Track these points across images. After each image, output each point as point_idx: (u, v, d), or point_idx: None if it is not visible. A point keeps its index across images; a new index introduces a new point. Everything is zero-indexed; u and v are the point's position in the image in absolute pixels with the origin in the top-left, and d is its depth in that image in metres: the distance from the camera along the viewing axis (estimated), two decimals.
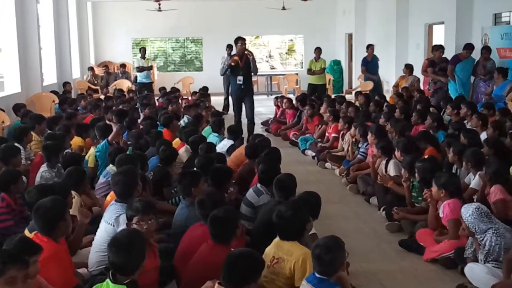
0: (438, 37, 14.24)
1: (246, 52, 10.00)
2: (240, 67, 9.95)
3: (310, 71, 14.01)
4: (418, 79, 12.93)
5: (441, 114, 9.19)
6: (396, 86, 13.10)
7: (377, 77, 14.11)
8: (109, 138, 6.94)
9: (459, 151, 5.93)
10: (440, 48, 11.20)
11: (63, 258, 3.74)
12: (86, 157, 6.97)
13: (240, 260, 3.16)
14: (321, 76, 14.07)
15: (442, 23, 13.48)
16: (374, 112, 9.64)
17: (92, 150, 7.07)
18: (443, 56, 11.07)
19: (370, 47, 13.89)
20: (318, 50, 14.12)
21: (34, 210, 3.77)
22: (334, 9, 21.23)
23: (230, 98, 14.95)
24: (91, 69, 17.66)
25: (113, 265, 3.18)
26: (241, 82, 10.03)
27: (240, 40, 9.95)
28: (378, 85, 14.04)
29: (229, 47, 14.71)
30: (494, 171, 5.06)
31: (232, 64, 9.96)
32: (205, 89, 14.36)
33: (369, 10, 18.36)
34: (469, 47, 10.74)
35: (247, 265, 3.16)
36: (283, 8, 19.05)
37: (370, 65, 13.93)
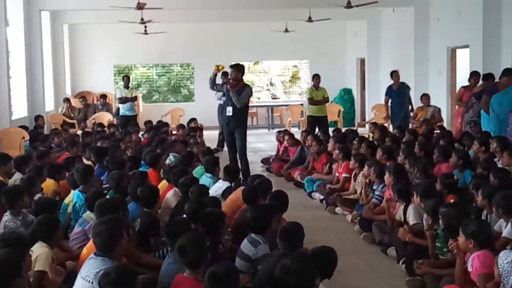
0: (463, 62, 14.37)
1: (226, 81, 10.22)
2: (229, 96, 10.08)
3: (312, 101, 14.03)
4: (439, 109, 13.01)
5: None
6: (414, 118, 13.14)
7: (400, 116, 13.32)
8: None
9: (488, 194, 5.90)
10: (475, 74, 11.37)
11: None
12: (66, 201, 6.95)
13: None
14: (323, 107, 14.13)
15: (467, 46, 13.63)
16: (392, 148, 9.62)
17: (72, 194, 7.04)
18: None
19: (394, 73, 13.48)
20: (317, 77, 14.22)
21: None
22: (343, 31, 21.48)
23: None
24: (67, 100, 17.76)
25: None
26: (230, 114, 10.13)
27: (231, 68, 10.15)
28: (406, 119, 13.39)
29: (225, 75, 14.82)
30: None
31: (215, 70, 10.35)
32: (192, 121, 14.41)
33: (383, 33, 18.58)
34: (510, 73, 10.13)
35: None
36: (286, 31, 19.23)
37: (395, 95, 13.39)
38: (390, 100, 13.58)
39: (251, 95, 10.60)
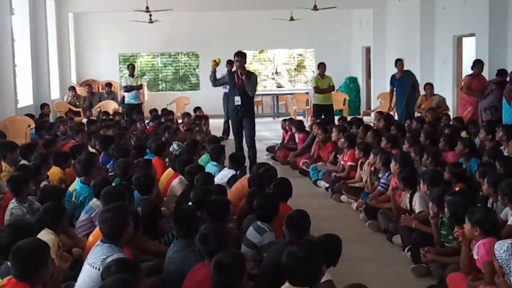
0: (469, 51, 14.32)
1: (241, 71, 10.06)
2: (237, 85, 10.08)
3: (318, 89, 13.97)
4: (444, 98, 12.97)
5: None
6: (418, 107, 13.10)
7: (402, 105, 13.21)
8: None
9: (494, 182, 5.89)
10: (479, 63, 11.37)
11: None
12: (70, 189, 6.96)
13: None
14: (328, 95, 14.07)
15: (473, 35, 13.57)
16: (397, 136, 9.62)
17: (75, 182, 7.05)
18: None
19: (398, 62, 13.37)
20: (322, 66, 14.13)
21: (12, 253, 3.80)
22: (349, 20, 21.38)
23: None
24: (72, 89, 17.77)
25: None
26: (239, 103, 10.14)
27: (237, 56, 10.04)
28: (409, 107, 13.18)
29: (230, 63, 14.83)
30: None
31: (212, 66, 10.21)
32: (197, 109, 14.42)
33: (389, 21, 18.49)
34: None
35: None
36: (291, 19, 19.16)
37: (397, 84, 13.27)
38: (394, 89, 13.52)
39: (257, 81, 10.58)
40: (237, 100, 10.14)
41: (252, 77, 10.13)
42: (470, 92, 11.45)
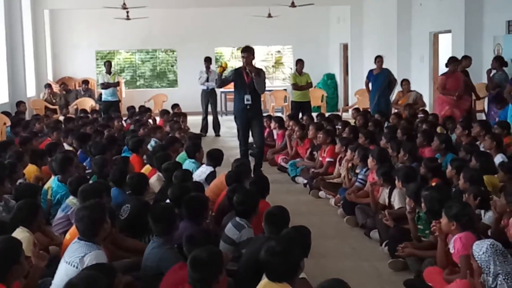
0: (445, 47, 14.43)
1: (249, 69, 9.36)
2: (246, 83, 9.38)
3: (296, 86, 13.96)
4: (421, 95, 13.06)
5: None
6: (396, 103, 13.18)
7: (376, 97, 13.18)
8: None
9: (470, 177, 5.95)
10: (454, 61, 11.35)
11: None
12: (45, 187, 6.90)
13: None
14: (306, 92, 14.08)
15: (449, 31, 13.68)
16: (375, 133, 9.68)
17: (52, 180, 7.00)
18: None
19: (378, 58, 13.27)
20: (300, 63, 14.08)
21: None
22: (327, 16, 21.45)
23: (208, 118, 15.10)
24: (48, 86, 17.60)
25: None
26: (249, 102, 9.40)
27: (243, 52, 9.45)
28: (380, 103, 13.15)
29: (207, 60, 14.82)
30: None
31: (219, 72, 9.47)
32: (175, 106, 14.38)
33: (366, 18, 18.58)
34: None
35: None
36: (269, 16, 19.17)
37: (373, 79, 13.26)
38: (368, 83, 13.51)
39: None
40: (248, 99, 9.36)
41: (261, 74, 9.45)
42: (446, 92, 11.28)
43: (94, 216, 4.42)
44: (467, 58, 11.74)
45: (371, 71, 13.44)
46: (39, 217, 5.16)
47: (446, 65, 11.53)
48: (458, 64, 11.35)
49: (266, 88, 9.91)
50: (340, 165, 8.77)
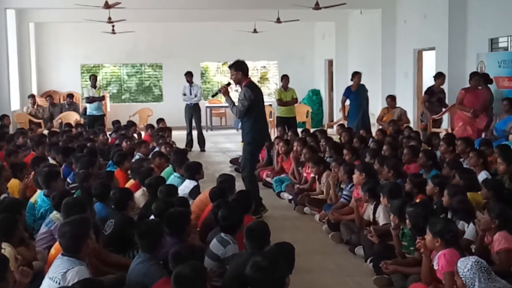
0: (429, 64, 14.56)
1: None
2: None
3: (281, 102, 14.00)
4: (405, 111, 13.14)
5: None
6: (380, 120, 13.24)
7: (357, 118, 13.15)
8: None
9: (454, 193, 5.98)
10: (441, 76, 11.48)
11: None
12: (32, 200, 6.85)
13: None
14: (292, 107, 14.13)
15: (433, 48, 13.81)
16: (359, 149, 9.73)
17: (37, 194, 6.95)
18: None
19: (356, 75, 13.30)
20: (285, 78, 14.14)
21: None
22: (312, 32, 21.59)
23: (193, 133, 15.08)
24: (32, 96, 17.49)
25: None
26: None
27: (230, 68, 8.44)
28: (364, 120, 13.23)
29: (189, 74, 14.85)
30: (501, 215, 5.11)
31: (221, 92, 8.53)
32: (160, 121, 14.36)
33: (351, 34, 18.72)
34: None
35: None
36: (255, 31, 19.26)
37: (353, 96, 13.31)
38: (347, 101, 13.57)
39: (248, 96, 8.11)
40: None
41: (240, 94, 8.31)
42: (461, 107, 10.84)
43: (77, 232, 4.37)
44: (440, 76, 11.90)
45: (348, 88, 13.50)
46: (17, 231, 5.12)
47: (434, 80, 11.76)
48: (480, 79, 10.86)
49: None
50: (319, 183, 8.80)
